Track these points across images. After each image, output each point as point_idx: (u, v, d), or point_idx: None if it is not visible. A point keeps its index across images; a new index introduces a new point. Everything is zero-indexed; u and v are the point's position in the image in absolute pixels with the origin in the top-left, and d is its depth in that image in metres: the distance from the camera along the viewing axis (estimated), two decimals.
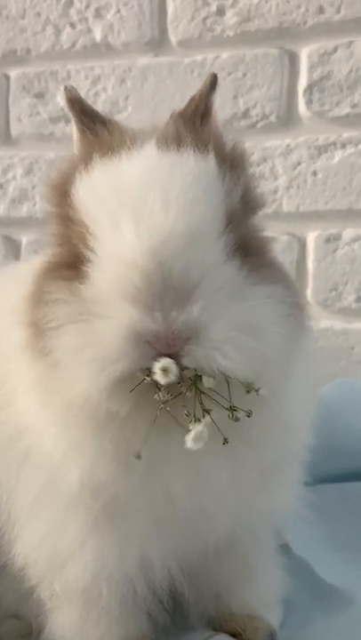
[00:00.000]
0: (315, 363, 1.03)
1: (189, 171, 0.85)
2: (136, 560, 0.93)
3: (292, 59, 1.84)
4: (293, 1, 1.80)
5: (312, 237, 1.85)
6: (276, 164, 1.86)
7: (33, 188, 2.06)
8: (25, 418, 0.90)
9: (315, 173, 1.84)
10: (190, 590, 1.02)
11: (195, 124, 0.91)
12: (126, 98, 1.97)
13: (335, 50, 1.80)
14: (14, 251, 2.09)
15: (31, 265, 0.97)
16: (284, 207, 1.86)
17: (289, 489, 1.01)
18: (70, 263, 0.86)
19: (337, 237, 1.83)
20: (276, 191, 1.86)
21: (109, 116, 0.97)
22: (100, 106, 1.97)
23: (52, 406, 0.85)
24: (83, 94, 1.93)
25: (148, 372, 0.78)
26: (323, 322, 1.82)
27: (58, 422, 0.86)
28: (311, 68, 1.82)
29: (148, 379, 0.78)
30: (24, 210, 2.08)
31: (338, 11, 1.78)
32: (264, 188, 1.77)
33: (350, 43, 1.79)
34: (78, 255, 0.85)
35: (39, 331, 0.83)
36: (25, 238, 2.07)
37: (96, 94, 1.99)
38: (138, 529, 0.91)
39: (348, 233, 1.83)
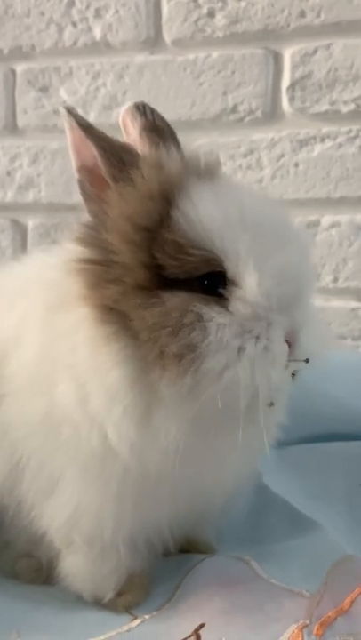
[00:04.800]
0: None
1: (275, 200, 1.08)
2: (150, 527, 1.03)
3: (277, 59, 1.89)
4: (278, 5, 1.85)
5: None
6: (262, 155, 1.92)
7: (38, 175, 2.12)
8: (66, 409, 0.95)
9: (296, 165, 1.90)
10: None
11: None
12: (124, 93, 2.02)
13: (315, 51, 1.85)
14: (21, 233, 2.15)
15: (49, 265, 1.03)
16: (269, 195, 1.89)
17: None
18: (164, 283, 0.90)
19: (316, 223, 1.89)
20: (261, 180, 1.92)
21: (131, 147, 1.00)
22: (100, 100, 2.04)
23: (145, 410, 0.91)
24: (84, 89, 2.06)
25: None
26: None
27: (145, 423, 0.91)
28: (294, 67, 1.87)
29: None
30: (30, 196, 2.13)
31: (318, 15, 1.83)
32: (251, 177, 1.89)
33: (329, 45, 1.84)
34: (200, 276, 0.90)
35: (191, 351, 0.87)
36: (31, 222, 2.14)
37: (96, 89, 2.04)
38: (159, 503, 0.99)
39: (326, 219, 1.89)
